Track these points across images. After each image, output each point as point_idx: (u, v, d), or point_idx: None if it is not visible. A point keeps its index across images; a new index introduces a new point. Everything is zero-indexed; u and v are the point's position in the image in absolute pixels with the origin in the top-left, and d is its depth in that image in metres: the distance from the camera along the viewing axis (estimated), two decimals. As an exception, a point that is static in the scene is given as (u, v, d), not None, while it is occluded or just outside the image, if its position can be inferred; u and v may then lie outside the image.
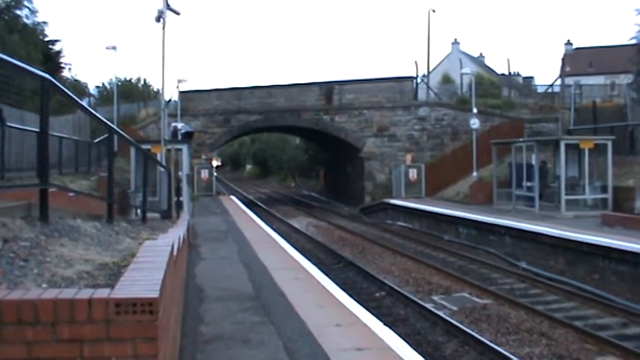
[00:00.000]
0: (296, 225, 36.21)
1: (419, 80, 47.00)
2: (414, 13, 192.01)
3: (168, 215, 18.01)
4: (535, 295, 18.18)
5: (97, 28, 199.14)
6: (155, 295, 3.93)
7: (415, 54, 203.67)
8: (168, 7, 20.06)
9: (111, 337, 3.80)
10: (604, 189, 27.02)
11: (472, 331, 13.88)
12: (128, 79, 73.35)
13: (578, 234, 20.56)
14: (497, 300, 17.26)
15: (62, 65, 40.91)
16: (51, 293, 3.95)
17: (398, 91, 44.61)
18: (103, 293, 3.92)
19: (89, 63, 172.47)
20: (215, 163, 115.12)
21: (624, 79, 43.80)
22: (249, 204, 43.65)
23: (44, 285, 4.85)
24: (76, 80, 56.65)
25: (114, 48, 42.14)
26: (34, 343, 3.77)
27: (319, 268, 15.05)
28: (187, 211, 21.89)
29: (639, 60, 35.71)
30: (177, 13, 20.48)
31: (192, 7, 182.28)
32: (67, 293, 3.93)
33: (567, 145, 27.58)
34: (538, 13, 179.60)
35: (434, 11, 52.38)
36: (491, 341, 13.13)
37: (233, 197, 45.45)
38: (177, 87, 42.70)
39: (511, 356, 11.94)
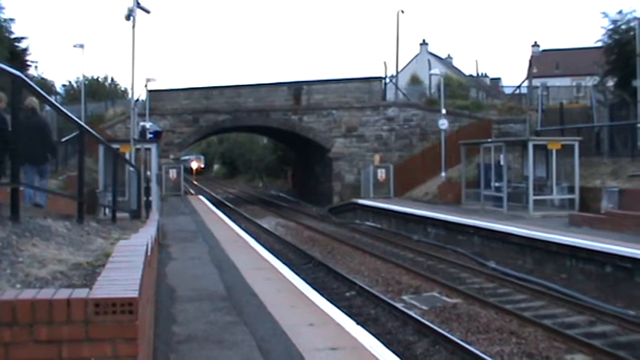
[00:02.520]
0: (265, 225, 36.15)
1: (387, 81, 47.13)
2: (383, 13, 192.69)
3: (138, 215, 17.91)
4: (504, 295, 18.29)
5: (64, 26, 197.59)
6: (135, 294, 3.90)
7: (384, 55, 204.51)
8: (138, 5, 19.94)
9: (90, 338, 3.75)
10: (571, 189, 27.26)
11: (442, 330, 13.93)
12: (95, 77, 72.81)
13: (546, 234, 20.73)
14: (467, 299, 17.34)
15: (28, 63, 40.33)
16: (28, 294, 3.90)
17: (366, 91, 44.69)
18: (81, 293, 3.88)
19: (56, 61, 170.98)
20: (195, 164, 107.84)
21: (590, 81, 44.21)
22: (218, 204, 43.46)
23: (18, 285, 4.79)
24: (42, 79, 56.04)
25: (81, 46, 41.76)
26: (11, 344, 3.72)
27: (289, 268, 15.04)
28: (157, 210, 21.78)
29: (605, 62, 36.02)
30: (148, 12, 20.36)
31: (162, 5, 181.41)
32: (45, 293, 3.89)
33: (535, 146, 27.80)
34: (505, 15, 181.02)
35: (402, 12, 52.62)
36: (461, 340, 13.18)
37: (201, 197, 45.27)
38: (146, 86, 42.44)
39: (482, 355, 11.99)
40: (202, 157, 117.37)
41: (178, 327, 9.00)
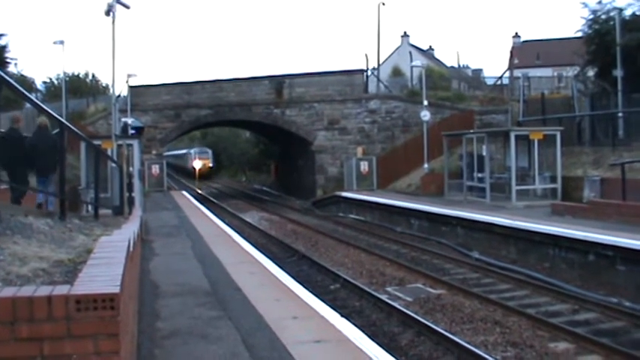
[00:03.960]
0: (248, 219, 36.12)
1: (369, 73, 47.17)
2: (364, 6, 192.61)
3: (121, 211, 17.84)
4: (488, 285, 18.38)
5: (44, 23, 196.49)
6: (116, 290, 3.89)
7: (365, 47, 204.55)
8: (117, 0, 19.85)
9: (72, 335, 3.74)
10: (553, 179, 27.37)
11: (427, 321, 13.97)
12: (76, 74, 72.46)
13: (529, 223, 20.81)
14: (451, 290, 17.41)
15: (8, 60, 40.10)
16: (9, 291, 3.88)
17: (348, 84, 44.68)
18: (62, 290, 3.86)
19: (36, 58, 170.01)
20: (199, 163, 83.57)
21: (571, 72, 44.42)
22: (201, 199, 43.37)
23: (-1, 283, 4.77)
24: (22, 76, 55.85)
25: (61, 42, 41.57)
26: (-8, 342, 3.70)
27: (273, 262, 15.04)
28: (139, 206, 21.71)
29: (585, 52, 36.20)
30: (127, 7, 20.29)
31: (142, 0, 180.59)
32: (26, 291, 3.87)
33: (517, 137, 27.88)
34: (486, 6, 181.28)
35: (384, 4, 52.34)
36: (446, 330, 13.24)
37: (184, 192, 45.17)
38: (127, 82, 42.32)
39: (466, 345, 12.05)
40: (210, 152, 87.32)
41: (162, 322, 8.99)
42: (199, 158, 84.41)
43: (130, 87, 43.18)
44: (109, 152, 22.91)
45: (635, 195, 21.46)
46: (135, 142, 27.80)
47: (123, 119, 34.69)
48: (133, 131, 34.27)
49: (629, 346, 12.16)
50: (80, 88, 65.11)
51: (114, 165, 20.65)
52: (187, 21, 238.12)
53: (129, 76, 41.82)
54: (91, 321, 3.76)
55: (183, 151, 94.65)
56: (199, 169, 79.76)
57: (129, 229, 9.68)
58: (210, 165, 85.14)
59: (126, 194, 19.78)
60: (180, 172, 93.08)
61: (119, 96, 39.22)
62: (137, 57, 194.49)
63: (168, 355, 7.49)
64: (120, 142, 24.18)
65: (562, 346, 12.54)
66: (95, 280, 4.24)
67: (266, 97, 45.05)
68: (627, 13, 33.77)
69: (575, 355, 12.10)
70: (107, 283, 4.10)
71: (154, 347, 7.76)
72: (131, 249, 7.08)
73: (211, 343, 7.91)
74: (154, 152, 44.12)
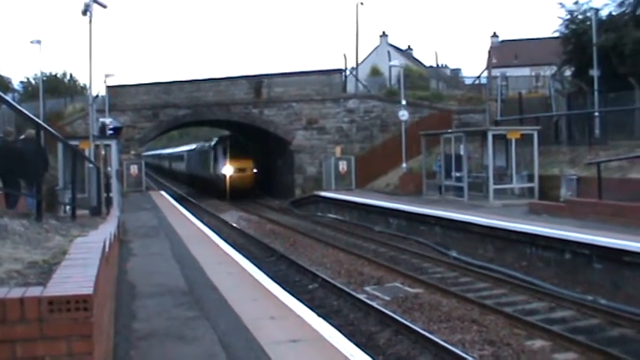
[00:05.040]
0: (227, 219, 36.09)
1: (348, 73, 47.22)
2: (343, 5, 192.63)
3: (98, 211, 17.77)
4: (466, 284, 18.48)
5: (20, 22, 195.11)
6: (89, 291, 3.89)
7: (344, 47, 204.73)
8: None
9: (45, 336, 3.74)
10: (530, 178, 27.52)
11: (405, 320, 14.03)
12: (54, 74, 71.99)
13: (507, 222, 20.92)
14: (429, 289, 17.48)
15: (-16, 60, 39.95)
16: (-19, 293, 3.88)
17: (327, 83, 44.77)
18: (35, 292, 3.86)
19: (13, 58, 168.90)
20: (230, 169, 48.71)
21: (548, 71, 44.71)
22: (180, 199, 43.25)
23: (-28, 286, 4.75)
24: (-2, 75, 55.44)
25: (39, 42, 41.30)
26: (-36, 345, 3.70)
27: (252, 262, 15.05)
28: (117, 207, 21.65)
29: (562, 52, 36.45)
30: (104, 6, 20.24)
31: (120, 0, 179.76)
32: (-2, 293, 3.87)
33: (495, 136, 28.03)
34: (465, 6, 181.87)
35: (362, 4, 52.70)
36: (423, 329, 13.29)
37: (163, 193, 45.03)
38: (105, 82, 42.10)
39: (443, 343, 12.11)
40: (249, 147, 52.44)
41: (139, 323, 8.97)
42: (232, 163, 49.06)
43: (108, 87, 42.96)
44: (87, 153, 22.82)
45: (610, 194, 21.61)
46: (113, 143, 27.72)
47: (101, 119, 34.50)
48: (111, 131, 34.11)
49: (604, 344, 12.27)
50: (58, 88, 64.60)
51: (91, 165, 20.58)
52: (165, 20, 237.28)
53: (107, 76, 41.64)
54: (64, 322, 3.77)
55: (194, 146, 65.73)
56: (233, 180, 48.64)
57: (105, 230, 9.66)
58: (254, 171, 50.27)
59: (104, 195, 19.73)
60: (192, 182, 66.89)
61: (97, 96, 38.97)
62: (115, 57, 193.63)
63: (144, 357, 7.48)
64: (98, 142, 24.10)
65: (538, 343, 12.63)
66: (69, 282, 4.24)
67: (244, 97, 45.03)
68: (603, 13, 34.04)
69: (552, 353, 12.19)
70: (80, 284, 4.10)
71: (130, 348, 7.75)
72: (107, 250, 7.07)
73: (188, 343, 7.91)
74: (132, 152, 43.95)
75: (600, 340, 12.62)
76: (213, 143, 54.72)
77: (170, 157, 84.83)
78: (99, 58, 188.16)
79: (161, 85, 46.45)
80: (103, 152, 23.85)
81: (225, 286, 11.44)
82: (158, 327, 8.71)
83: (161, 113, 45.01)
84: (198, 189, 60.49)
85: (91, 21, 20.04)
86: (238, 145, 51.63)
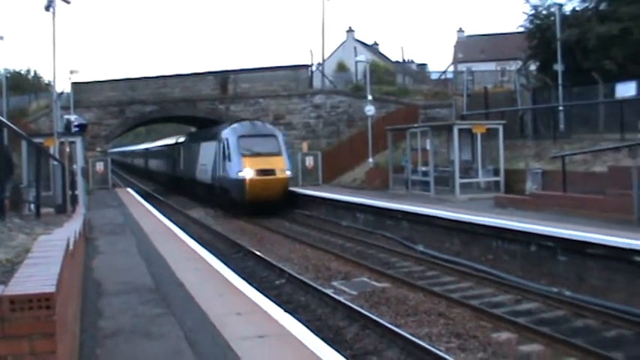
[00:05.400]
0: (194, 216, 35.92)
1: (314, 68, 47.30)
2: (309, 1, 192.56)
3: (63, 209, 17.65)
4: (432, 277, 18.57)
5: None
6: (51, 289, 3.88)
7: (310, 42, 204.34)
8: (57, -4, 19.64)
9: (6, 335, 3.72)
10: (496, 172, 27.73)
11: (372, 314, 14.08)
12: (18, 70, 71.32)
13: (473, 216, 21.05)
14: (396, 283, 17.56)
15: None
16: (-58, 293, 3.85)
17: (293, 79, 44.77)
18: (-4, 291, 3.84)
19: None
20: (253, 171, 33.40)
21: (514, 66, 45.09)
22: (147, 196, 43.01)
23: None
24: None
25: (1, 38, 40.93)
26: None
27: (219, 258, 15.03)
28: (83, 204, 21.51)
29: (527, 47, 36.82)
30: (68, 2, 20.07)
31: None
32: (-41, 292, 3.84)
33: (460, 130, 28.20)
34: (431, 1, 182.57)
35: (328, -1, 52.60)
36: (390, 323, 13.35)
37: (129, 190, 44.78)
38: (70, 78, 41.80)
39: (410, 337, 12.17)
40: (279, 138, 36.49)
41: (105, 321, 8.95)
42: (252, 155, 35.06)
43: (73, 83, 42.67)
44: (52, 150, 22.65)
45: (575, 186, 21.88)
46: (78, 140, 27.53)
47: (66, 116, 34.26)
48: (76, 128, 33.87)
49: (569, 335, 12.41)
50: (22, 84, 63.97)
51: (56, 163, 20.42)
52: (131, 16, 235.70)
53: (71, 72, 41.35)
54: (26, 321, 3.75)
55: (182, 139, 51.59)
56: (254, 189, 34.13)
57: (70, 228, 9.61)
58: (287, 173, 35.15)
59: (69, 192, 19.59)
60: (175, 185, 53.93)
61: (62, 93, 38.70)
62: (80, 53, 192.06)
63: (110, 355, 7.46)
64: (62, 139, 23.93)
65: (504, 335, 12.73)
66: (31, 280, 4.22)
67: (211, 93, 44.92)
68: (567, 9, 34.50)
69: (517, 345, 12.30)
70: (43, 282, 4.09)
71: (96, 346, 7.72)
72: (71, 247, 7.04)
73: (154, 340, 7.90)
74: (98, 149, 43.65)
75: (565, 332, 12.76)
76: (224, 132, 36.60)
77: (146, 153, 74.24)
78: (63, 55, 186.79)
79: (127, 82, 46.18)
80: (67, 149, 23.65)
81: (191, 283, 11.43)
82: (124, 324, 8.69)
83: (127, 110, 44.72)
84: (194, 196, 45.70)
85: (54, 17, 19.90)
86: (258, 132, 36.34)
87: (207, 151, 40.14)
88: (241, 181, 33.69)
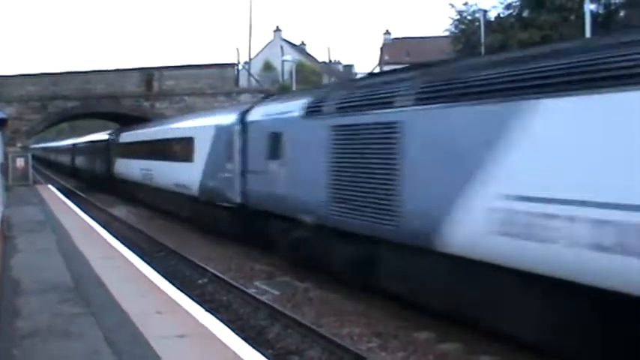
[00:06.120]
0: (117, 213, 35.51)
1: (240, 67, 47.30)
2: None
3: (-20, 206, 17.35)
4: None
5: None
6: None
7: (237, 41, 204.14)
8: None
9: None
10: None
11: (294, 314, 14.14)
12: None
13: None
14: (318, 283, 17.64)
15: None
16: None
17: (219, 77, 44.69)
18: None
19: None
20: None
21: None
22: (69, 193, 42.35)
23: None
24: None
25: None
26: None
27: (140, 257, 14.94)
28: (1, 201, 21.12)
29: (453, 51, 37.41)
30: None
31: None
32: None
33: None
34: (358, 3, 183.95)
35: (255, -2, 52.62)
36: (312, 323, 13.43)
37: (51, 186, 44.03)
38: (-11, 72, 40.88)
39: (331, 337, 12.27)
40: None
41: (22, 321, 8.83)
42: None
43: (-7, 77, 41.83)
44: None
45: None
46: (-4, 134, 27.00)
47: (-16, 111, 33.53)
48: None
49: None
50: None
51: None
52: (54, 9, 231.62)
53: (-9, 65, 40.51)
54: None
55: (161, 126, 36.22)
56: None
57: (-13, 225, 9.46)
58: None
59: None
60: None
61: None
62: (0, 45, 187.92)
63: (27, 355, 7.39)
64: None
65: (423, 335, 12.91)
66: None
67: (135, 90, 44.58)
68: (491, 15, 35.17)
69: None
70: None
71: (12, 347, 7.63)
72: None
73: (72, 340, 7.84)
74: (19, 145, 42.84)
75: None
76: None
77: (85, 149, 61.70)
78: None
79: (49, 76, 45.46)
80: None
81: (112, 282, 11.35)
82: (42, 324, 8.60)
83: (50, 105, 44.01)
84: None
85: (-26, 9, 19.48)
86: None
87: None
88: None
